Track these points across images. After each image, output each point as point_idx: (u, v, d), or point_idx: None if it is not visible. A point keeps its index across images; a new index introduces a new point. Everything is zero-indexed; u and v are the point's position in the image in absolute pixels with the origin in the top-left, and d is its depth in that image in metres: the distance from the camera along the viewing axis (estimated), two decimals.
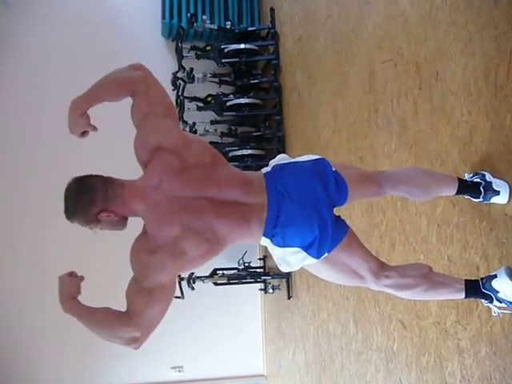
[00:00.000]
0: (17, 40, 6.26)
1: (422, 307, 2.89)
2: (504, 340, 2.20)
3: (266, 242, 2.02)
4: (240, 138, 6.30)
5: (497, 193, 2.23)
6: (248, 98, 6.14)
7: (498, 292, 2.10)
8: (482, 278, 2.18)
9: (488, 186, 2.25)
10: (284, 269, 2.15)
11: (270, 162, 2.18)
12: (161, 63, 6.64)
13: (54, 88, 6.19)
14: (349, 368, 4.00)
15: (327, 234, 1.97)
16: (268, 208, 1.97)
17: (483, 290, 2.14)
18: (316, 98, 4.84)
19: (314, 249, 1.98)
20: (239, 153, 5.99)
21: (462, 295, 2.17)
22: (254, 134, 6.22)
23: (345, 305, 4.06)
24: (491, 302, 2.15)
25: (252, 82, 6.28)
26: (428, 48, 2.89)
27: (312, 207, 1.97)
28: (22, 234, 5.95)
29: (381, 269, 2.13)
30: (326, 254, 2.01)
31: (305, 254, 1.99)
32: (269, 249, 2.10)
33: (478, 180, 2.30)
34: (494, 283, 2.11)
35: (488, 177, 2.28)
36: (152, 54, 6.72)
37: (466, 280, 2.20)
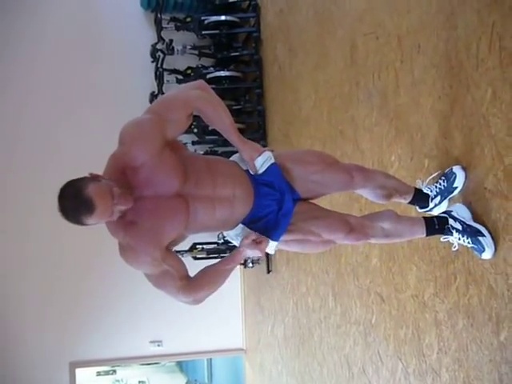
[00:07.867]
0: None
1: (401, 280, 2.91)
2: (481, 312, 2.22)
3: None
4: None
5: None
6: (228, 70, 6.08)
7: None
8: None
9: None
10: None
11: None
12: (140, 35, 6.55)
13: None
14: (327, 341, 4.04)
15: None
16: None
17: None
18: (297, 71, 4.79)
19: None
20: None
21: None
22: (234, 107, 6.13)
23: (324, 278, 4.08)
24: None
25: (232, 54, 6.22)
26: (410, 21, 2.86)
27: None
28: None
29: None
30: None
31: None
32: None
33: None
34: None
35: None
36: (131, 25, 6.62)
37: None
